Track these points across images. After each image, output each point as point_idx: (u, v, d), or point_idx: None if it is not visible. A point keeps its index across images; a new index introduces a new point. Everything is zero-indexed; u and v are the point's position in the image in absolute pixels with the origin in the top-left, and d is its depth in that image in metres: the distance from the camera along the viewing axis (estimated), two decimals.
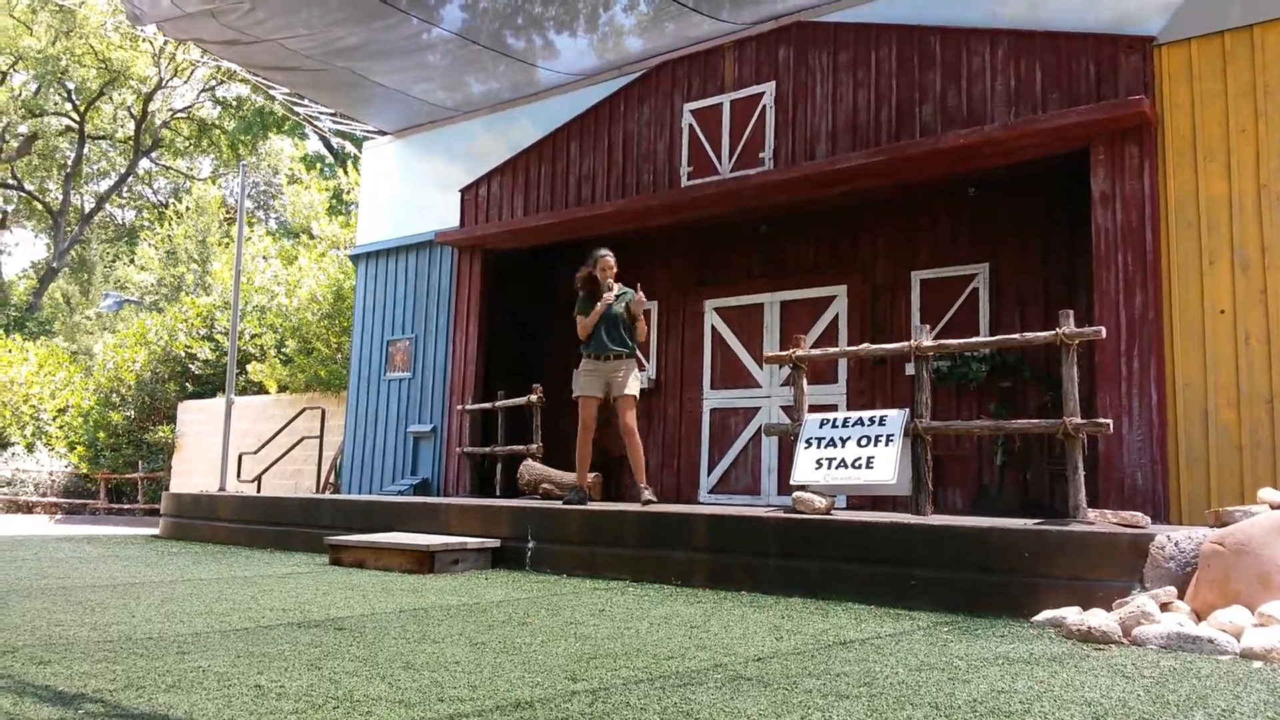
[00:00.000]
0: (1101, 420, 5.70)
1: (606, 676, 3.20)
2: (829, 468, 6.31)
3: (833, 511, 6.15)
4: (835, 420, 6.54)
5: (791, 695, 2.95)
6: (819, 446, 6.44)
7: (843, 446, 6.32)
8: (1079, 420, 5.59)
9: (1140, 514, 5.29)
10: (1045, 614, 4.54)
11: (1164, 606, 4.25)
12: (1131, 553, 4.65)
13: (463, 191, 11.58)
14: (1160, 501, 6.80)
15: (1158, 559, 4.56)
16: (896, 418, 6.27)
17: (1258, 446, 6.64)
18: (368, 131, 13.61)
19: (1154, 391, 6.96)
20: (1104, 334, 5.86)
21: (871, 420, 6.35)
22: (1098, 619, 4.08)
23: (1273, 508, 5.08)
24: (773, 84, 9.35)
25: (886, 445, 6.16)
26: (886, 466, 6.08)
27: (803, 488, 6.29)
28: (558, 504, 7.45)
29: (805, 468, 6.43)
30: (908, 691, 3.02)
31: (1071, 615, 4.31)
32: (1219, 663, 3.58)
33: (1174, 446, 6.92)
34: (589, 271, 7.71)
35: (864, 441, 6.25)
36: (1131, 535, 4.72)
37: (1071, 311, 5.77)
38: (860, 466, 6.18)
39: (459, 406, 10.88)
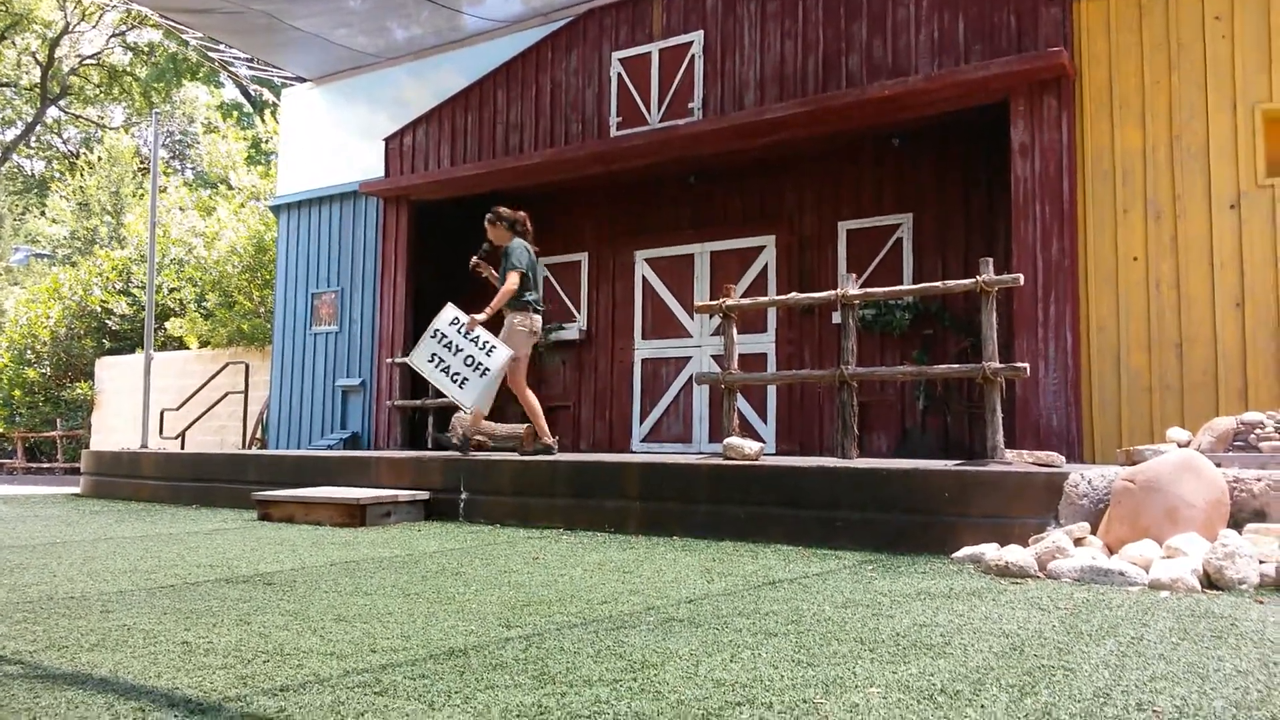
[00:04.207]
0: (1019, 365, 5.87)
1: (541, 622, 3.23)
2: (436, 368, 7.25)
3: (761, 458, 6.26)
4: (461, 327, 7.32)
5: (722, 634, 3.01)
6: (438, 342, 7.28)
7: (454, 355, 7.23)
8: (997, 365, 5.75)
9: (1055, 454, 5.48)
10: (965, 550, 4.69)
11: (1078, 541, 4.42)
12: (1047, 491, 4.82)
13: (387, 141, 11.34)
14: (1074, 441, 7.05)
15: (1072, 496, 4.73)
16: (502, 355, 7.15)
17: (1167, 389, 6.90)
18: (286, 78, 13.22)
19: (1069, 336, 7.17)
20: (1022, 281, 6.01)
21: (484, 346, 7.22)
22: (1015, 554, 4.24)
23: (1180, 446, 5.30)
24: (701, 33, 9.30)
25: (481, 377, 7.17)
26: (473, 392, 7.15)
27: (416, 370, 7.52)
28: (490, 455, 7.45)
29: (420, 355, 7.32)
30: (834, 628, 3.11)
31: (990, 551, 4.47)
32: (1129, 593, 3.74)
33: (1088, 389, 7.16)
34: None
35: (469, 362, 7.18)
36: (1047, 474, 4.89)
37: (991, 260, 5.91)
38: (458, 382, 7.20)
39: (388, 359, 10.76)
